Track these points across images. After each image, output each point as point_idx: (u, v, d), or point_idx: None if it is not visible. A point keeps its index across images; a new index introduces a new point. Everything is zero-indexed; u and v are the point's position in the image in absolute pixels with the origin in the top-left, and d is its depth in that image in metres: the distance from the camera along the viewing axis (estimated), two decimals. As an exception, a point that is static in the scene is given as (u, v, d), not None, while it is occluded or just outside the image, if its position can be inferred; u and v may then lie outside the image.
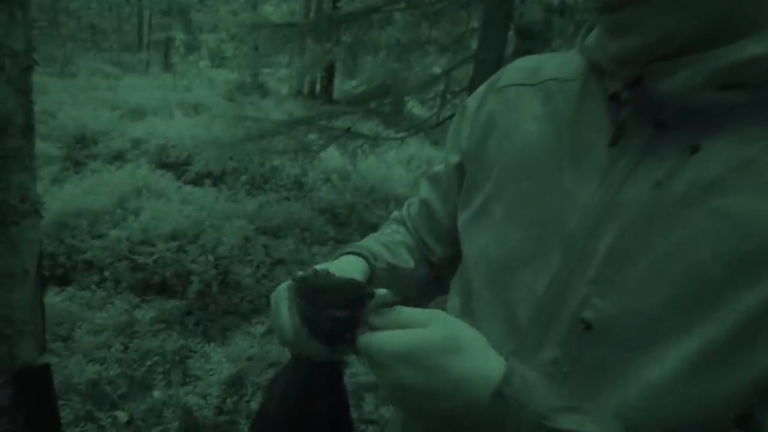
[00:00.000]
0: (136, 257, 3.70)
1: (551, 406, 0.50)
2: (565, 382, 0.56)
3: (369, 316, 0.55)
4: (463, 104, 0.79)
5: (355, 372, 2.93)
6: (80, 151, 6.13)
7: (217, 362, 2.89)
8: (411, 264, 0.80)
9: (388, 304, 0.55)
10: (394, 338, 0.51)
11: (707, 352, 0.49)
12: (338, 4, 6.60)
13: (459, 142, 0.77)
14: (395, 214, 0.94)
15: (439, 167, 0.84)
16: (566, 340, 0.57)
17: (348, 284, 0.59)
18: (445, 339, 0.51)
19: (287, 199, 5.53)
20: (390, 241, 0.83)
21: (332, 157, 6.10)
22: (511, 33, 4.02)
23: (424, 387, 0.50)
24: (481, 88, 0.77)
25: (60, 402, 2.42)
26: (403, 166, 6.96)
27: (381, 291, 0.56)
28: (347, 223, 5.38)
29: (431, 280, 0.86)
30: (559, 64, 0.69)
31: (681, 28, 0.50)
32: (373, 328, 0.54)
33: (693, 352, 0.50)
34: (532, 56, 0.75)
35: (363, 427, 2.63)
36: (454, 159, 0.77)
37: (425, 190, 0.86)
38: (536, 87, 0.69)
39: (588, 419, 0.51)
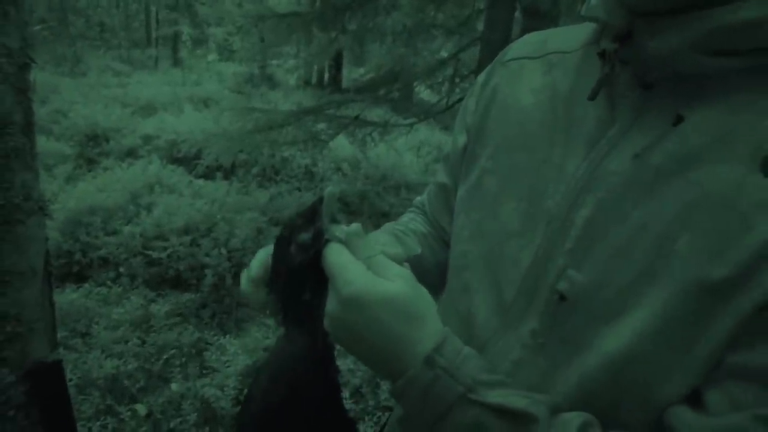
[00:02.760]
0: (150, 252, 3.73)
1: (480, 379, 0.51)
2: (541, 352, 0.57)
3: (331, 226, 0.57)
4: (475, 80, 0.79)
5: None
6: (92, 149, 6.18)
7: (233, 354, 2.91)
8: (417, 250, 0.80)
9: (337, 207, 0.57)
10: (360, 280, 0.52)
11: (666, 326, 0.48)
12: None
13: (465, 118, 0.77)
14: (417, 200, 0.94)
15: (451, 148, 0.83)
16: (544, 311, 0.57)
17: (299, 213, 0.60)
18: (404, 303, 0.52)
19: (298, 189, 5.54)
20: (400, 230, 0.84)
21: (342, 145, 6.08)
22: (517, 13, 3.97)
23: (365, 333, 0.52)
24: (491, 64, 0.77)
25: (80, 397, 2.47)
26: (413, 152, 6.93)
27: (329, 189, 0.58)
28: (359, 211, 5.37)
29: None
30: (565, 36, 0.69)
31: None
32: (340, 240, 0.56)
33: (649, 324, 0.49)
34: (543, 30, 0.74)
35: (379, 413, 2.64)
36: (462, 140, 0.77)
37: (440, 173, 0.85)
38: (539, 60, 0.68)
39: (517, 394, 0.51)
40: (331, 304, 0.54)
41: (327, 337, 0.58)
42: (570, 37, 0.68)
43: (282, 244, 0.60)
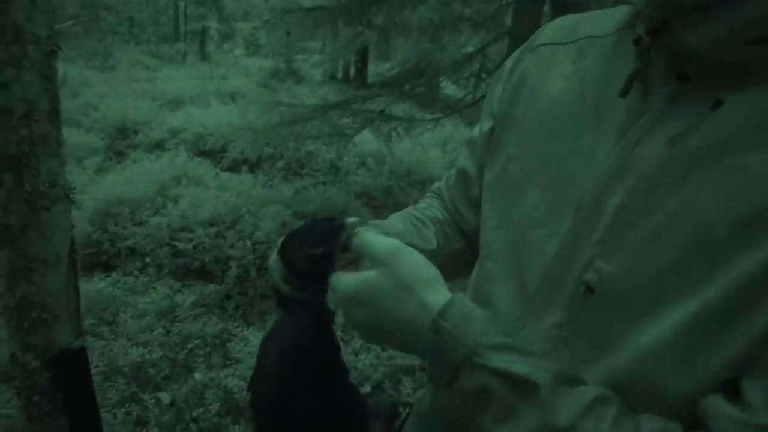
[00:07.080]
0: (176, 243, 3.77)
1: (486, 343, 0.50)
2: (566, 346, 0.55)
3: (346, 249, 0.60)
4: (502, 66, 0.77)
5: (392, 355, 2.93)
6: (121, 141, 6.30)
7: (256, 345, 2.88)
8: (432, 245, 0.80)
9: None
10: (346, 281, 0.57)
11: (703, 317, 0.46)
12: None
13: (492, 104, 0.75)
14: (435, 185, 0.93)
15: (476, 132, 0.82)
16: (569, 303, 0.55)
17: (320, 223, 0.64)
18: (395, 283, 0.55)
19: (323, 183, 5.54)
20: (418, 218, 0.83)
21: (367, 140, 6.06)
22: (546, 7, 3.90)
23: (373, 324, 0.57)
24: (519, 50, 0.75)
25: (106, 384, 2.51)
26: (438, 147, 6.88)
27: (350, 220, 0.61)
28: (384, 206, 5.36)
29: (467, 253, 0.84)
30: (598, 21, 0.66)
31: None
32: (350, 261, 0.60)
33: (689, 316, 0.47)
34: (573, 14, 0.72)
35: (401, 409, 2.62)
36: (487, 125, 0.76)
37: (462, 157, 0.84)
38: (570, 46, 0.66)
39: (523, 360, 0.49)
40: (342, 314, 0.59)
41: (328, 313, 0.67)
42: (604, 20, 0.65)
43: (291, 248, 0.65)
